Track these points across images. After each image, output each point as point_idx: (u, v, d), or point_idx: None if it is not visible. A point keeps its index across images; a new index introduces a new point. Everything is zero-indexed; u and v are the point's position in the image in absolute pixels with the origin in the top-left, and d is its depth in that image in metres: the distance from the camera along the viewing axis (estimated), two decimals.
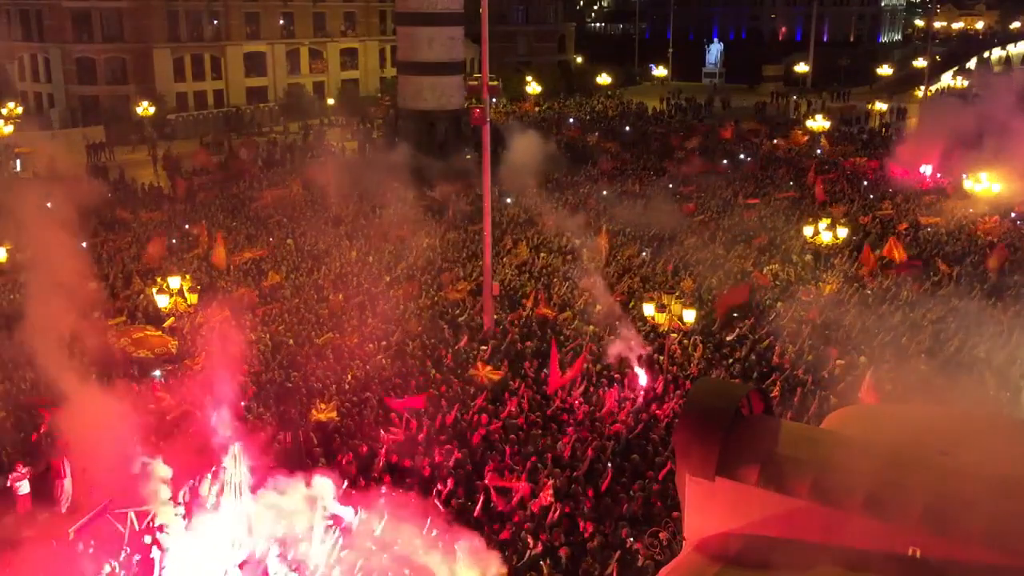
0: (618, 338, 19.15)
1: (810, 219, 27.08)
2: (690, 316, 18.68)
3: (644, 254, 26.48)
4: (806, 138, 46.37)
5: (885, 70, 74.40)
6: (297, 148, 46.68)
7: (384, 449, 14.64)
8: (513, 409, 16.27)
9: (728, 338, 19.87)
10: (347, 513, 12.11)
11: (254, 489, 11.92)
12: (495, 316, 20.92)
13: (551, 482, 13.45)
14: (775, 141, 46.02)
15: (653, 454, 14.81)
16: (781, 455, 4.79)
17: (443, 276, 23.92)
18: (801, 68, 76.06)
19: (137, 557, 11.37)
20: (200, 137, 49.48)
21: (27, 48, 56.95)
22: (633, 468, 14.35)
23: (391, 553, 11.77)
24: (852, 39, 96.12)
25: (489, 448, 14.97)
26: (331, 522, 11.91)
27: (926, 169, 36.37)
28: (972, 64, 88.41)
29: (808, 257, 25.78)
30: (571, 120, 55.18)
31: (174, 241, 27.67)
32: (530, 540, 12.24)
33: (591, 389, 17.19)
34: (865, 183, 36.12)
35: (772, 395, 16.41)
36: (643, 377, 17.40)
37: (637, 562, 11.81)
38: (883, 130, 52.12)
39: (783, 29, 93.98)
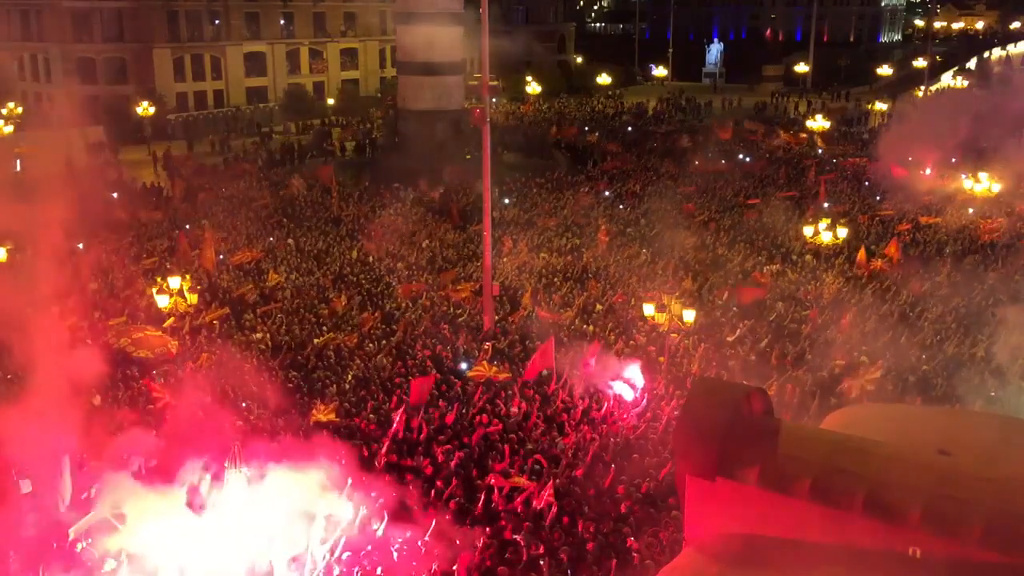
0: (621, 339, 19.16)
1: (810, 219, 27.09)
2: (690, 316, 18.69)
3: (644, 254, 26.49)
4: (804, 136, 46.48)
5: (885, 70, 74.42)
6: (297, 148, 46.69)
7: (385, 448, 14.65)
8: (514, 409, 16.28)
9: (728, 338, 19.88)
10: (348, 513, 12.11)
11: (254, 488, 11.91)
12: (495, 316, 20.94)
13: (552, 482, 13.45)
14: (776, 137, 46.10)
15: (653, 454, 14.81)
16: (781, 455, 4.79)
17: (443, 276, 23.94)
18: (801, 68, 76.13)
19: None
20: (189, 141, 49.34)
21: (27, 48, 56.95)
22: (634, 468, 14.35)
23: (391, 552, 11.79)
24: (852, 39, 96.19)
25: (489, 448, 14.97)
26: (332, 521, 11.92)
27: (928, 169, 36.39)
28: (972, 64, 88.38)
29: (808, 257, 25.80)
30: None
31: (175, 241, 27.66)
32: (529, 540, 12.24)
33: (592, 388, 17.19)
34: (866, 183, 36.14)
35: (772, 395, 16.41)
36: (641, 378, 17.39)
37: (636, 562, 11.80)
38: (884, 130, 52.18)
39: (771, 32, 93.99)
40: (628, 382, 17.20)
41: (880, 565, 4.37)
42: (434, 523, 12.33)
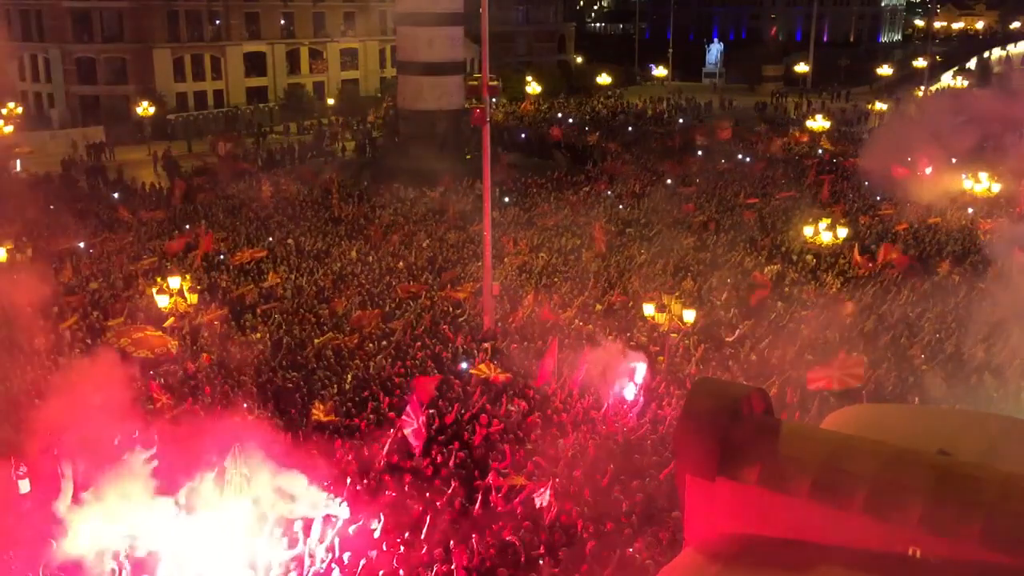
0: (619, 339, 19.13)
1: (810, 219, 27.10)
2: (690, 316, 18.69)
3: (644, 254, 26.48)
4: (806, 137, 46.45)
5: (885, 70, 74.39)
6: (297, 148, 46.61)
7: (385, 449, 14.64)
8: (514, 409, 16.27)
9: (728, 338, 19.87)
10: (347, 513, 12.11)
11: (254, 489, 11.90)
12: (495, 316, 20.94)
13: (551, 481, 13.44)
14: (778, 140, 46.05)
15: (653, 454, 14.80)
16: (781, 455, 4.79)
17: (443, 276, 23.93)
18: (801, 68, 76.13)
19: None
20: (188, 141, 49.31)
21: (27, 48, 56.91)
22: (633, 468, 14.34)
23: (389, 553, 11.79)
24: (852, 39, 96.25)
25: (490, 448, 14.97)
26: (331, 522, 11.91)
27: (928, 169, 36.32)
28: (972, 64, 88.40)
29: (808, 257, 25.80)
30: (570, 120, 55.21)
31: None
32: (529, 540, 12.23)
33: (592, 388, 17.17)
34: (866, 183, 36.10)
35: (772, 395, 16.37)
36: (642, 376, 17.38)
37: (636, 562, 11.80)
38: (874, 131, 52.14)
39: (776, 29, 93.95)
40: (628, 382, 17.20)
41: (880, 565, 4.37)
42: (429, 521, 12.33)
